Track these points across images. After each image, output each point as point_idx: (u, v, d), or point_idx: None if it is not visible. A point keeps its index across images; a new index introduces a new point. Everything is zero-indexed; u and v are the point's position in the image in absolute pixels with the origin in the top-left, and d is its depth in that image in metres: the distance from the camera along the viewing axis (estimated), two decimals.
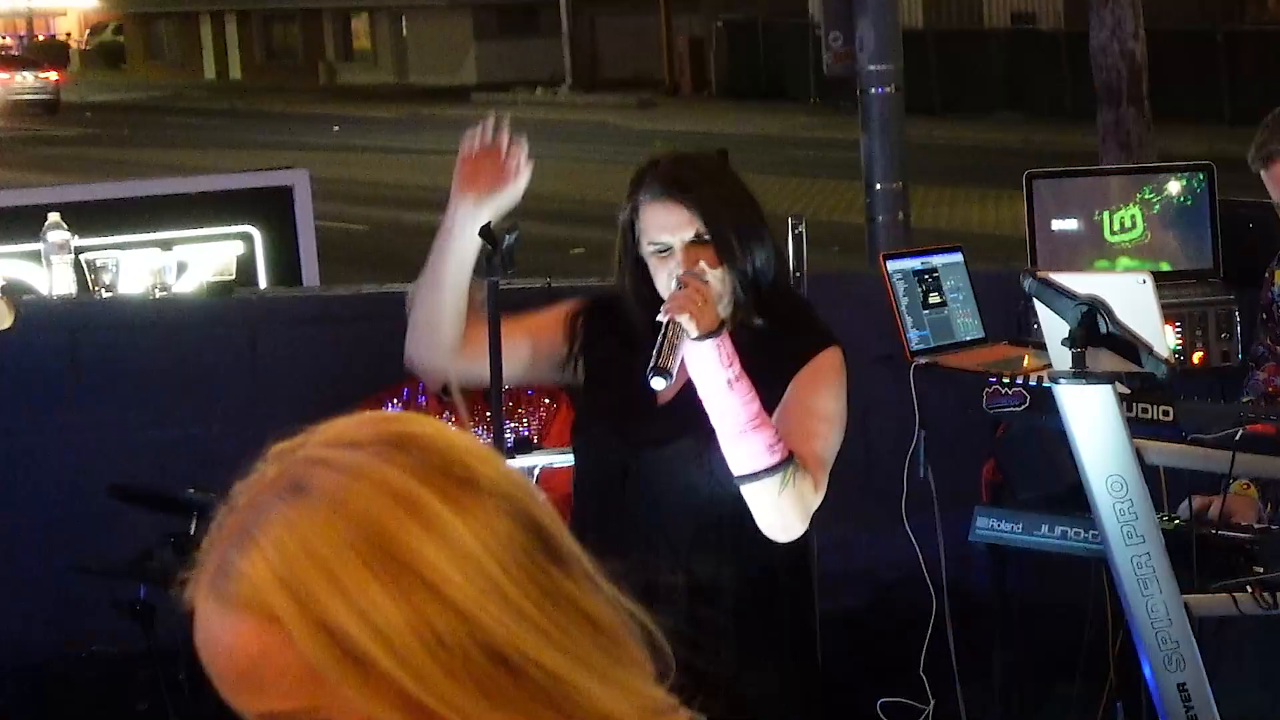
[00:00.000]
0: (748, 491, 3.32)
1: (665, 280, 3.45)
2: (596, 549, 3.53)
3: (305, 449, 1.43)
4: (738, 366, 3.31)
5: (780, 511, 3.31)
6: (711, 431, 3.36)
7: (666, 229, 3.46)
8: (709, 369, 3.30)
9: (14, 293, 4.38)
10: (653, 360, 3.25)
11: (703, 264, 3.40)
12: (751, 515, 3.39)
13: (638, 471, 3.45)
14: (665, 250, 3.46)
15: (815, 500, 3.37)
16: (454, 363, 3.56)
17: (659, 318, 3.34)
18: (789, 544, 3.47)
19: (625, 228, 3.54)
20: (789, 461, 3.30)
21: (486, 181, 3.50)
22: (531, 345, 3.61)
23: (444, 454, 1.43)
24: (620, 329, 3.57)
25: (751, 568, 3.44)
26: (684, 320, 3.29)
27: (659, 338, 3.28)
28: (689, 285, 3.36)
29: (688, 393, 3.43)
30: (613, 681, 1.45)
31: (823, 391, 3.45)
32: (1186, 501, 4.10)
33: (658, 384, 3.27)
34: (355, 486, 1.39)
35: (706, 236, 3.45)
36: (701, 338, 3.29)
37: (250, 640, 1.37)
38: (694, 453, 3.40)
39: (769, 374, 3.39)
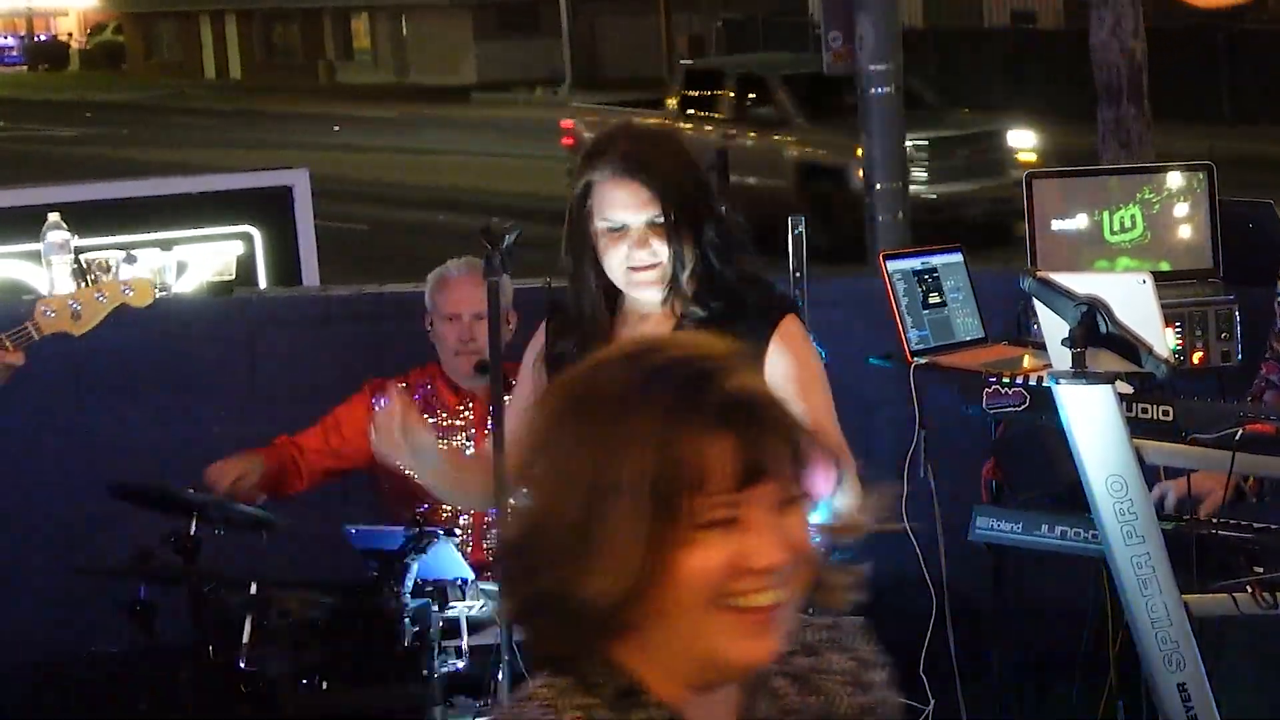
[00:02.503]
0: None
1: (618, 261, 3.44)
2: None
3: None
4: None
5: (849, 496, 3.30)
6: None
7: (626, 208, 3.44)
8: None
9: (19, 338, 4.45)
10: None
11: (654, 246, 3.42)
12: None
13: None
14: (620, 230, 3.45)
15: (853, 467, 3.35)
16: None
17: (631, 292, 3.45)
18: None
19: (575, 204, 3.51)
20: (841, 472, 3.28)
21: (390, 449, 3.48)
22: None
23: None
24: (576, 325, 3.56)
25: None
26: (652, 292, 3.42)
27: None
28: (649, 268, 3.47)
29: None
30: None
31: (803, 369, 3.44)
32: (1157, 492, 4.06)
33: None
34: None
35: (660, 220, 3.44)
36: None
37: None
38: None
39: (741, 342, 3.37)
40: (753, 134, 17.61)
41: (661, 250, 3.45)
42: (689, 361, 1.76)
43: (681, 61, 20.07)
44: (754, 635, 1.75)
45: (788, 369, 3.43)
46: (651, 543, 1.70)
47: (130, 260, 4.56)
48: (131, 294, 4.35)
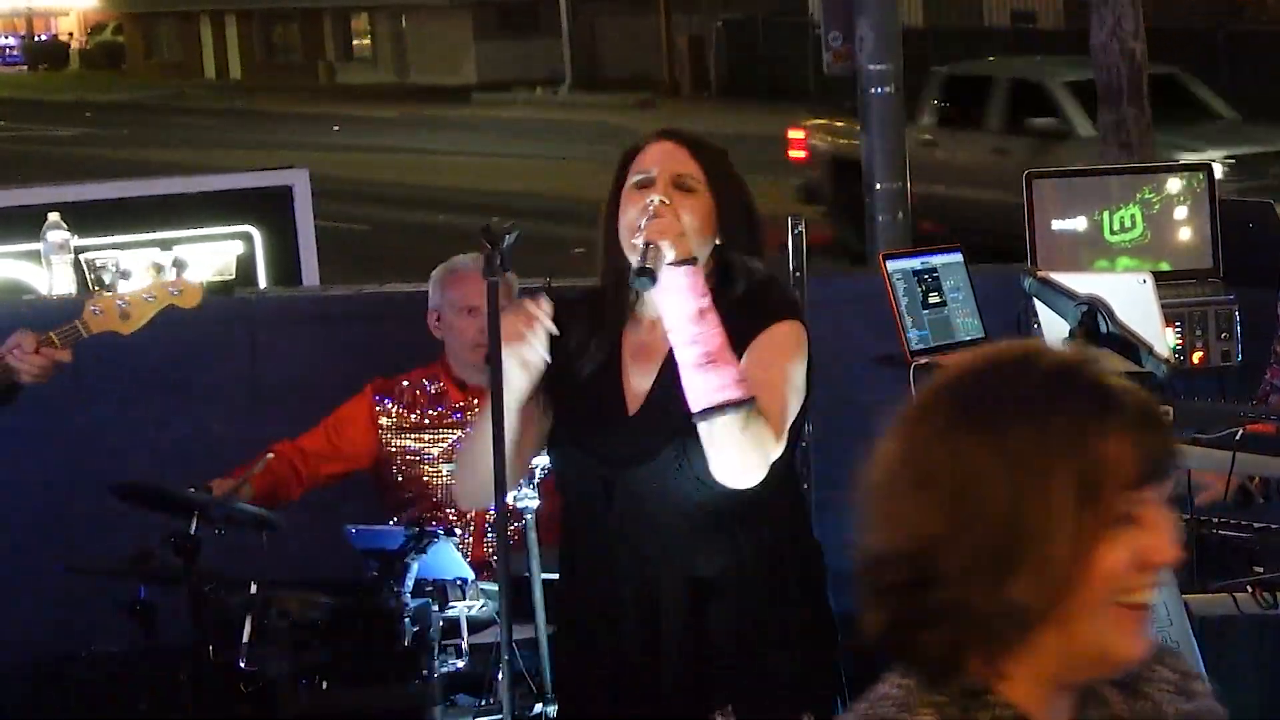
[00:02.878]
0: (708, 429, 3.22)
1: (634, 215, 3.37)
2: (589, 561, 3.52)
3: None
4: (709, 299, 3.27)
5: (741, 451, 3.23)
6: (688, 435, 3.29)
7: (658, 161, 3.42)
8: (682, 295, 3.25)
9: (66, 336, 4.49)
10: (636, 266, 3.24)
11: (684, 214, 3.37)
12: (746, 509, 3.36)
13: (623, 487, 3.40)
14: (648, 183, 3.40)
15: (775, 450, 3.28)
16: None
17: (634, 240, 3.31)
18: (789, 533, 3.44)
19: (614, 180, 3.49)
20: (752, 401, 3.25)
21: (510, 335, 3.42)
22: (524, 412, 3.52)
23: None
24: (578, 318, 3.53)
25: (753, 562, 3.41)
26: (664, 245, 3.26)
27: (641, 255, 3.26)
28: (663, 215, 3.32)
29: (656, 398, 3.40)
30: None
31: (781, 356, 3.39)
32: None
33: (642, 285, 3.24)
34: None
35: (694, 184, 3.40)
36: (678, 264, 3.26)
37: None
38: (676, 463, 3.35)
39: (730, 340, 3.35)
40: (1031, 147, 14.95)
41: (687, 219, 3.37)
42: (1079, 366, 1.83)
43: (935, 69, 17.11)
44: (1137, 632, 1.81)
45: (761, 341, 3.38)
46: (1080, 541, 1.76)
47: (179, 265, 4.59)
48: (178, 294, 4.37)
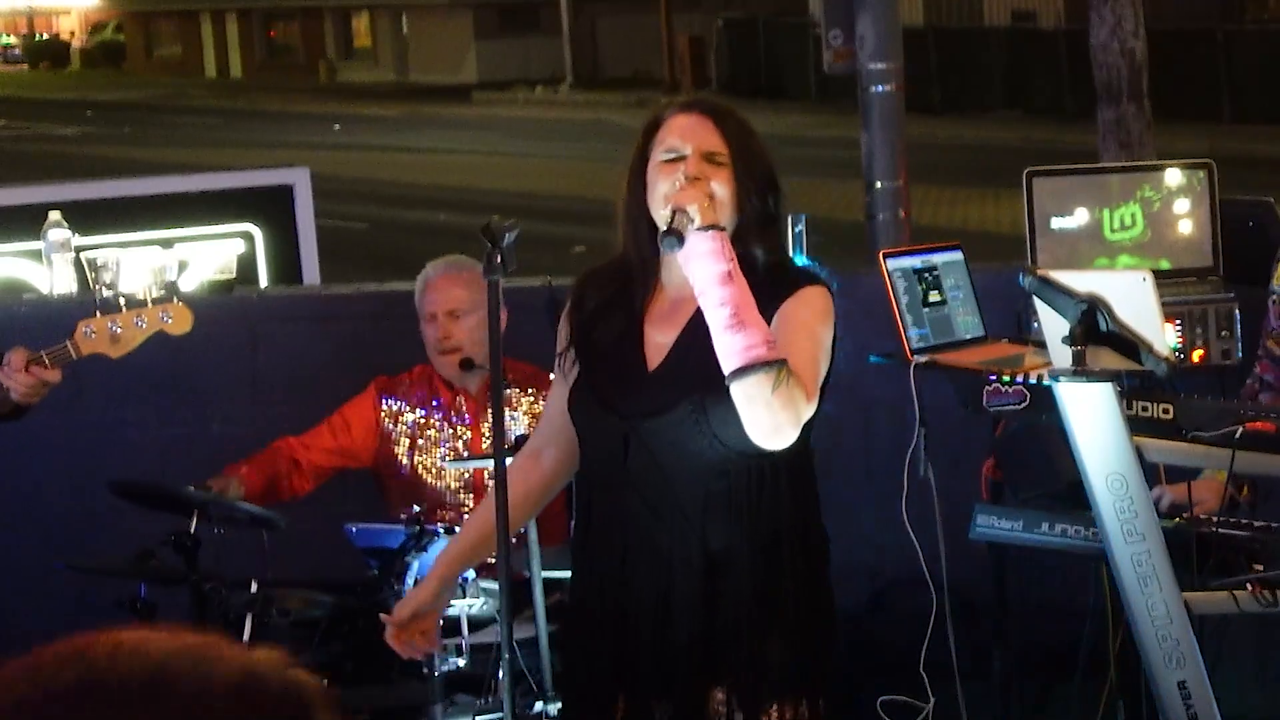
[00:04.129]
0: (741, 389, 3.23)
1: (663, 192, 3.39)
2: (604, 518, 3.55)
3: None
4: (735, 263, 3.29)
5: (772, 411, 3.24)
6: (708, 393, 3.32)
7: (687, 136, 3.44)
8: (709, 259, 3.27)
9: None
10: (663, 229, 3.27)
11: (714, 185, 3.39)
12: (759, 479, 3.37)
13: (639, 443, 3.42)
14: (677, 158, 3.43)
15: (808, 410, 3.30)
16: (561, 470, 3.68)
17: (664, 211, 3.35)
18: (800, 514, 3.45)
19: (639, 144, 3.51)
20: (784, 361, 3.27)
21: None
22: (564, 407, 3.61)
23: None
24: (604, 291, 3.55)
25: (763, 537, 3.42)
26: (691, 209, 3.29)
27: (668, 222, 3.29)
28: (693, 184, 3.35)
29: (676, 356, 3.43)
30: None
31: (809, 319, 3.41)
32: (1157, 491, 4.06)
33: (669, 245, 3.27)
34: None
35: (722, 159, 3.43)
36: (704, 229, 3.28)
37: None
38: (692, 418, 3.37)
39: (765, 313, 3.37)
40: None
41: (719, 190, 3.40)
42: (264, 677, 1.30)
43: None
44: None
45: (789, 312, 3.40)
46: None
47: (172, 289, 4.60)
48: (169, 321, 4.37)
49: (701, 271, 3.29)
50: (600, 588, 3.51)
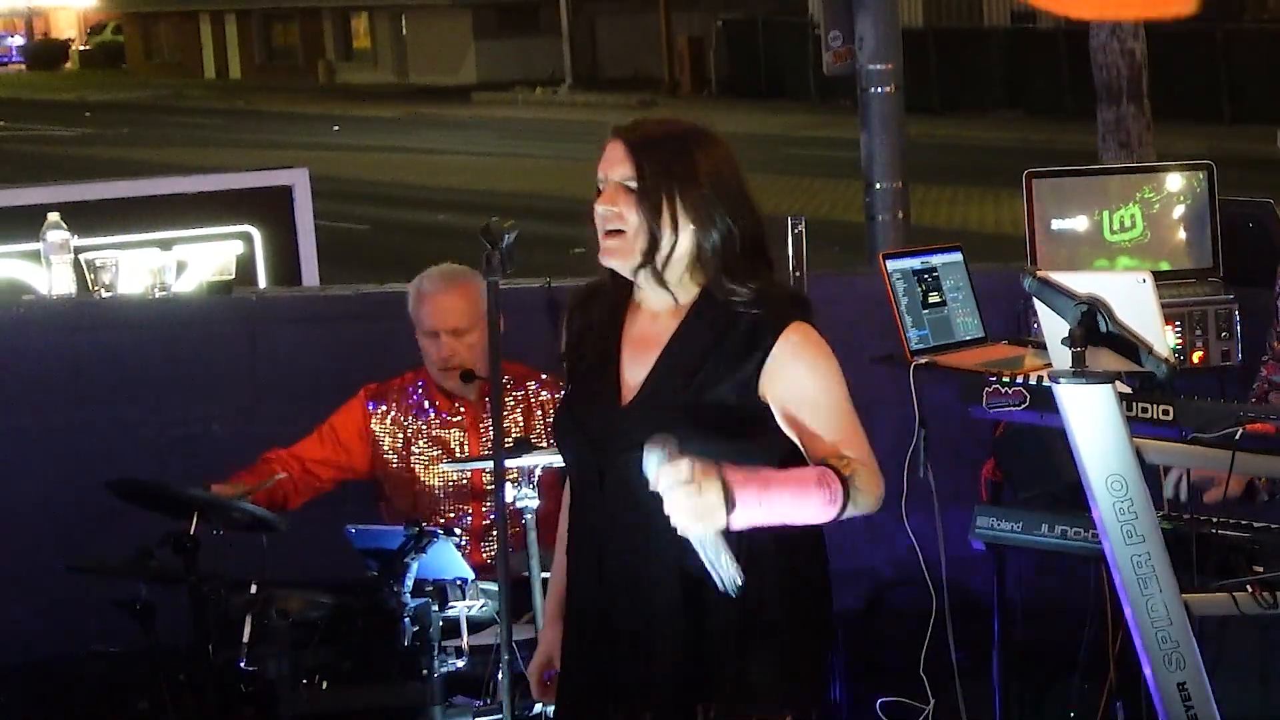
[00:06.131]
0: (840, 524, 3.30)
1: (597, 222, 3.41)
2: (585, 547, 3.53)
3: None
4: (754, 485, 3.16)
5: (868, 510, 3.32)
6: (677, 427, 3.24)
7: (604, 165, 3.43)
8: (750, 517, 3.17)
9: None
10: (721, 581, 3.17)
11: (620, 207, 3.37)
12: None
13: (613, 473, 3.40)
14: (600, 186, 3.43)
15: (882, 487, 3.34)
16: None
17: (601, 259, 3.40)
18: (786, 533, 3.42)
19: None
20: (848, 482, 3.27)
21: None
22: None
23: None
24: (590, 310, 3.54)
25: (741, 557, 3.38)
26: (700, 529, 3.14)
27: (706, 561, 3.17)
28: (608, 237, 3.38)
29: (650, 390, 3.41)
30: None
31: (822, 381, 3.38)
32: (1173, 477, 4.05)
33: (734, 588, 3.18)
34: None
35: (631, 182, 3.39)
36: (728, 509, 3.13)
37: None
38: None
39: (740, 349, 3.35)
40: None
41: (630, 217, 3.37)
42: None
43: None
44: None
45: (799, 383, 3.37)
46: None
47: (183, 268, 4.46)
48: None
49: (750, 520, 3.19)
50: (583, 608, 3.52)
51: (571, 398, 3.55)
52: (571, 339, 3.56)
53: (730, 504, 3.10)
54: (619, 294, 3.50)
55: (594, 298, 3.56)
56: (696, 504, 3.09)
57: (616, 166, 3.40)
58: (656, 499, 3.26)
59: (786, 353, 3.37)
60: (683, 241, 3.39)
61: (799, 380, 3.37)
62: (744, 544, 3.33)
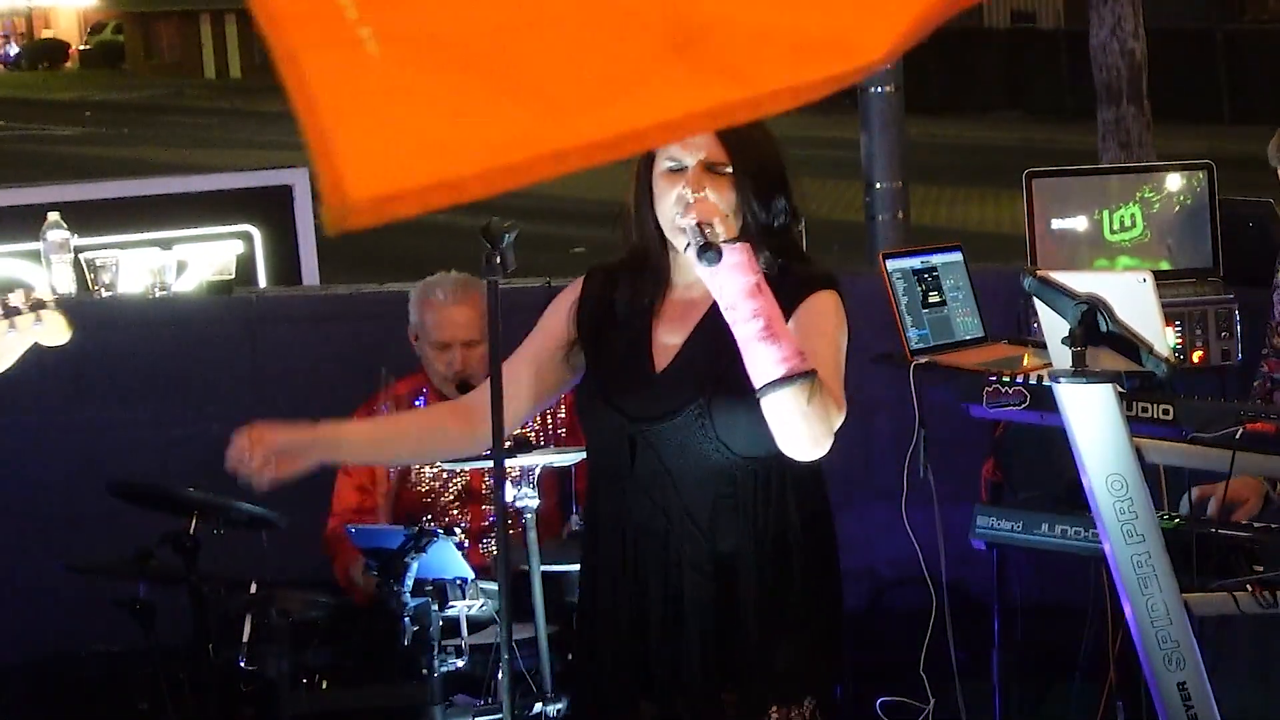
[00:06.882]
0: (774, 402, 3.21)
1: (670, 203, 3.38)
2: (616, 526, 3.53)
3: None
4: (762, 276, 3.26)
5: (809, 423, 3.22)
6: (714, 396, 3.32)
7: (688, 146, 3.41)
8: (738, 272, 3.24)
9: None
10: (699, 244, 3.22)
11: (708, 192, 3.37)
12: (765, 483, 3.37)
13: (645, 445, 3.42)
14: (679, 169, 3.41)
15: (838, 418, 3.28)
16: (478, 439, 3.58)
17: (681, 222, 3.32)
18: (808, 515, 3.44)
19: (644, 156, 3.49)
20: (814, 372, 3.25)
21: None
22: (534, 365, 3.58)
23: None
24: (615, 291, 3.54)
25: (771, 539, 3.41)
26: (716, 223, 3.26)
27: (695, 235, 3.24)
28: (701, 202, 3.34)
29: (684, 358, 3.42)
30: None
31: (827, 326, 3.41)
32: (1186, 496, 4.09)
33: (710, 260, 3.21)
34: None
35: (725, 169, 3.42)
36: (729, 241, 3.25)
37: None
38: (698, 422, 3.37)
39: None
40: None
41: (726, 197, 3.38)
42: None
43: None
44: None
45: (812, 319, 3.40)
46: None
47: (37, 305, 4.17)
48: (40, 327, 4.01)
49: (730, 285, 3.25)
50: (610, 590, 3.51)
51: (599, 371, 3.53)
52: (592, 313, 3.54)
53: (742, 239, 3.28)
54: (655, 270, 3.50)
55: (618, 275, 3.55)
56: (719, 209, 3.30)
57: (699, 150, 3.40)
58: (687, 472, 3.30)
59: (812, 305, 3.42)
60: (749, 218, 3.42)
61: (813, 317, 3.40)
62: (770, 528, 3.36)
